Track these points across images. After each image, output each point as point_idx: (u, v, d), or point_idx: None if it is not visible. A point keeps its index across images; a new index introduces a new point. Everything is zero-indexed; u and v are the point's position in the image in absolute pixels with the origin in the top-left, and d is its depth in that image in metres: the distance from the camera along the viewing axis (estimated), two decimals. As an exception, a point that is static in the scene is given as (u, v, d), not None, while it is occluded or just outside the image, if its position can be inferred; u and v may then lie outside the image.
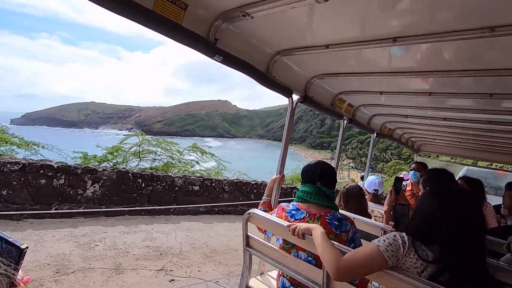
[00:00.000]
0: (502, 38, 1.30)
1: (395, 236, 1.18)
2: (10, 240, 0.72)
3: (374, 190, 3.02)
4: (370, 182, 3.07)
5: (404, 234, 1.18)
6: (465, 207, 1.16)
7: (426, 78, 2.15)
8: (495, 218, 2.97)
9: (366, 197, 3.03)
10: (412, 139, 5.54)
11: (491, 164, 6.78)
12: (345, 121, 3.35)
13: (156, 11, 1.37)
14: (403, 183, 3.87)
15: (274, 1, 1.36)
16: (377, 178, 3.13)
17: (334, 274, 1.21)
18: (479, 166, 6.81)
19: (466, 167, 6.79)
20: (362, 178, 4.84)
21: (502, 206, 2.58)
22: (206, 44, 1.61)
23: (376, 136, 4.31)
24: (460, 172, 6.72)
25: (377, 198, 3.07)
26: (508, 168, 6.49)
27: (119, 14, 1.27)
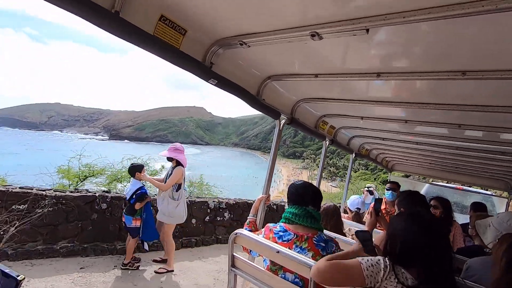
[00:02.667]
0: (472, 81, 1.47)
1: (379, 260, 1.26)
2: (6, 271, 0.71)
3: (357, 208, 3.14)
4: (353, 201, 3.19)
5: (386, 258, 1.26)
6: (441, 232, 1.27)
7: (403, 108, 2.33)
8: (462, 238, 3.19)
9: (347, 216, 3.14)
10: (387, 159, 5.84)
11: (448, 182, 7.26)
12: (327, 142, 3.49)
13: (157, 36, 1.41)
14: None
15: (271, 34, 1.45)
16: (359, 197, 3.26)
17: (314, 269, 1.32)
18: (437, 184, 7.26)
19: (427, 184, 7.23)
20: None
21: (470, 226, 2.77)
22: (202, 68, 1.66)
23: (355, 156, 4.51)
24: (422, 189, 7.14)
25: (359, 216, 3.18)
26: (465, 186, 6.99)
27: (120, 38, 1.29)
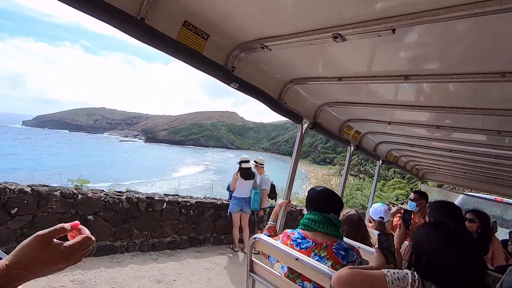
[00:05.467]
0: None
1: (406, 274, 1.18)
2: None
3: (380, 217, 2.96)
4: (375, 209, 3.00)
5: (415, 272, 1.17)
6: (469, 244, 1.17)
7: (434, 112, 2.19)
8: (503, 255, 2.91)
9: (372, 225, 2.98)
10: (417, 167, 5.53)
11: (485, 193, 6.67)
12: (352, 147, 3.38)
13: (180, 41, 1.44)
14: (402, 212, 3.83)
15: (293, 37, 1.43)
16: (382, 205, 3.06)
17: (335, 277, 1.28)
18: (473, 195, 6.68)
19: (462, 195, 6.66)
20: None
21: (510, 243, 2.53)
22: (224, 72, 1.67)
23: (382, 163, 4.31)
24: (456, 200, 6.60)
25: (383, 226, 3.00)
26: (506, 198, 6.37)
27: (146, 43, 1.34)
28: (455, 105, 1.99)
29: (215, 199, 5.64)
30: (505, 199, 6.40)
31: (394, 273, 1.18)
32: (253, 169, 5.30)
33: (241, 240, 5.29)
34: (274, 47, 1.56)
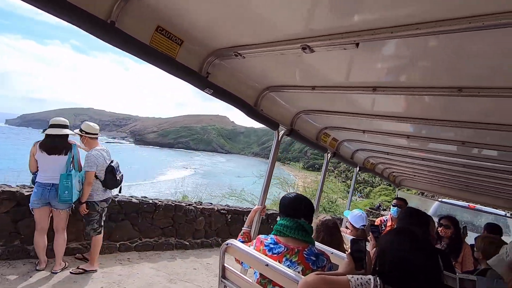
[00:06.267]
0: (468, 98, 1.43)
1: (369, 279, 1.21)
2: None
3: (362, 226, 2.80)
4: (357, 217, 2.87)
5: (377, 278, 1.21)
6: (430, 250, 1.22)
7: (404, 123, 2.28)
8: (471, 260, 3.03)
9: (349, 231, 2.96)
10: (394, 174, 5.71)
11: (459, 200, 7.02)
12: (329, 155, 3.45)
13: (153, 46, 1.44)
14: (384, 218, 3.94)
15: (265, 46, 1.46)
16: (361, 212, 2.96)
17: (301, 282, 1.30)
18: (447, 202, 7.01)
19: (437, 202, 6.99)
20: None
21: (476, 249, 2.63)
22: (198, 78, 1.68)
23: (359, 170, 4.43)
24: (431, 207, 6.91)
25: (365, 234, 2.92)
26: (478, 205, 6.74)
27: (117, 47, 1.33)
28: (424, 117, 2.08)
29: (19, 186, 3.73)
30: (477, 206, 6.74)
31: (357, 278, 1.21)
32: (77, 142, 3.61)
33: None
34: (248, 55, 1.58)
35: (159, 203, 4.76)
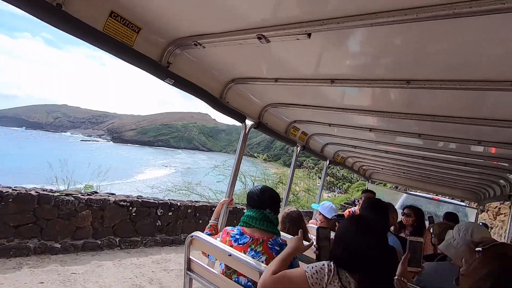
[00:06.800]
0: (416, 90, 1.52)
1: (323, 264, 1.26)
2: None
3: (334, 216, 2.86)
4: (329, 208, 2.95)
5: (331, 262, 1.26)
6: (380, 235, 1.29)
7: (367, 116, 2.37)
8: (431, 246, 3.24)
9: (319, 222, 3.05)
10: (364, 167, 5.93)
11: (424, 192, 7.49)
12: (299, 148, 3.52)
13: (106, 32, 1.39)
14: (352, 209, 4.10)
15: (223, 35, 1.46)
16: (331, 203, 3.06)
17: (260, 281, 1.30)
18: (414, 194, 7.46)
19: (405, 194, 7.42)
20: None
21: (432, 235, 2.81)
22: (157, 67, 1.64)
23: (329, 164, 4.55)
24: (399, 199, 7.32)
25: (334, 224, 2.99)
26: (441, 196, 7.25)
27: (66, 32, 1.27)
28: (384, 109, 2.17)
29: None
30: (440, 198, 7.20)
31: (312, 267, 1.26)
32: None
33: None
34: (207, 44, 1.57)
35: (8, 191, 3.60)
